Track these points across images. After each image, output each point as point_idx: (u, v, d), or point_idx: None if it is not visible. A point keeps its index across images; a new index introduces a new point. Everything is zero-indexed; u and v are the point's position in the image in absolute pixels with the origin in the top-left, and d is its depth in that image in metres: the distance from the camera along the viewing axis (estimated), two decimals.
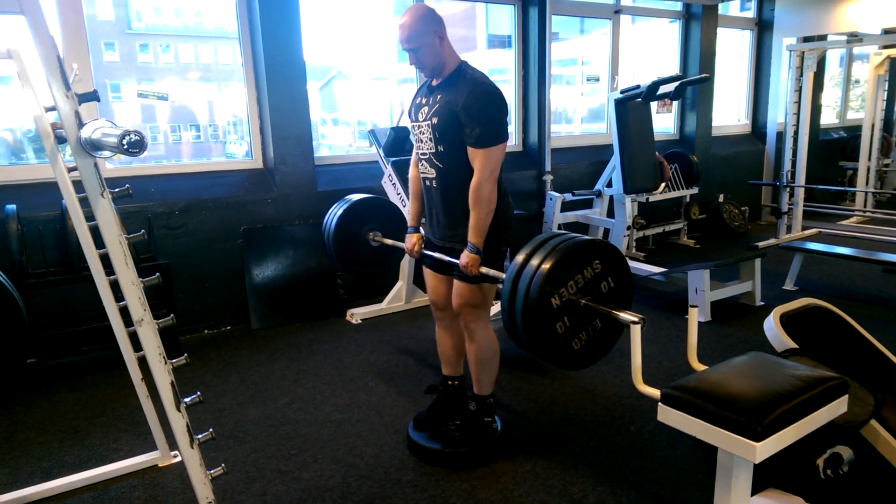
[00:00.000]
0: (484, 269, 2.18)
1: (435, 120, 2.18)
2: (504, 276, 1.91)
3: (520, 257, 1.81)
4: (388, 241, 2.88)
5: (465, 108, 2.10)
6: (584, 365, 1.89)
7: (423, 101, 2.27)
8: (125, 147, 1.38)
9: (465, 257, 2.18)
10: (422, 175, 2.36)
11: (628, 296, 1.91)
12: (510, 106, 5.62)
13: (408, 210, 2.60)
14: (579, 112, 6.67)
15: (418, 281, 4.16)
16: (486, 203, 2.14)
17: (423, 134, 2.25)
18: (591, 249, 1.83)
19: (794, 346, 2.25)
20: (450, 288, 2.37)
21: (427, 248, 2.46)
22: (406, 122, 4.24)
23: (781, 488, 1.99)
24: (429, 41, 2.13)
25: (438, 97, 2.19)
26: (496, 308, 3.02)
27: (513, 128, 5.65)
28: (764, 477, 2.01)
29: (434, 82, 2.24)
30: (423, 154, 2.30)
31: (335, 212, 2.92)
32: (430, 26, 2.12)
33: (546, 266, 1.73)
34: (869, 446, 2.05)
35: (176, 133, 4.64)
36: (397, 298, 4.33)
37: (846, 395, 1.61)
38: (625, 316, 1.77)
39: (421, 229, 2.52)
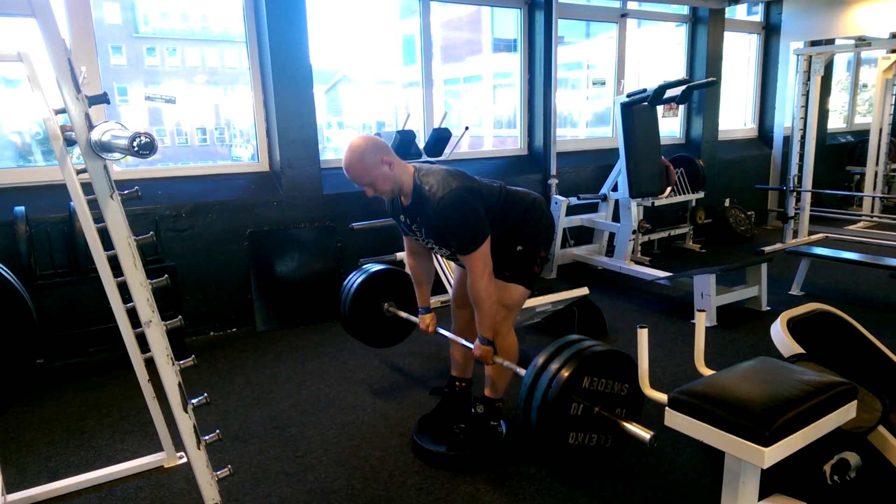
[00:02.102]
0: (498, 359, 2.28)
1: (425, 234, 2.29)
2: (521, 370, 2.03)
3: (540, 359, 1.88)
4: (402, 314, 2.91)
5: (437, 228, 2.20)
6: (592, 470, 1.92)
7: (405, 219, 2.33)
8: (136, 149, 1.39)
9: (479, 349, 2.30)
10: (434, 253, 2.44)
11: (638, 406, 1.95)
12: (516, 111, 5.63)
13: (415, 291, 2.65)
14: (585, 116, 6.67)
15: None
16: (486, 298, 2.20)
17: (424, 242, 2.37)
18: (610, 359, 1.87)
19: (801, 351, 2.24)
20: None
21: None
22: (410, 126, 4.26)
23: (788, 494, 1.98)
24: (377, 173, 2.12)
25: (416, 218, 2.26)
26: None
27: (518, 131, 5.65)
28: (770, 482, 2.00)
29: (403, 201, 2.27)
30: (433, 249, 2.40)
31: (354, 279, 2.95)
32: (373, 159, 2.11)
33: (566, 373, 1.79)
34: (876, 452, 2.03)
35: (182, 136, 4.66)
36: None
37: (855, 401, 1.60)
38: (634, 430, 1.79)
39: (431, 309, 2.62)
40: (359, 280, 2.91)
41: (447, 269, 4.12)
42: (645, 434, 1.74)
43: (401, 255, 4.18)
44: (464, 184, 2.15)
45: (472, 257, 2.16)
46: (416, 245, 2.45)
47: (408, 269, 2.59)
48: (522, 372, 2.03)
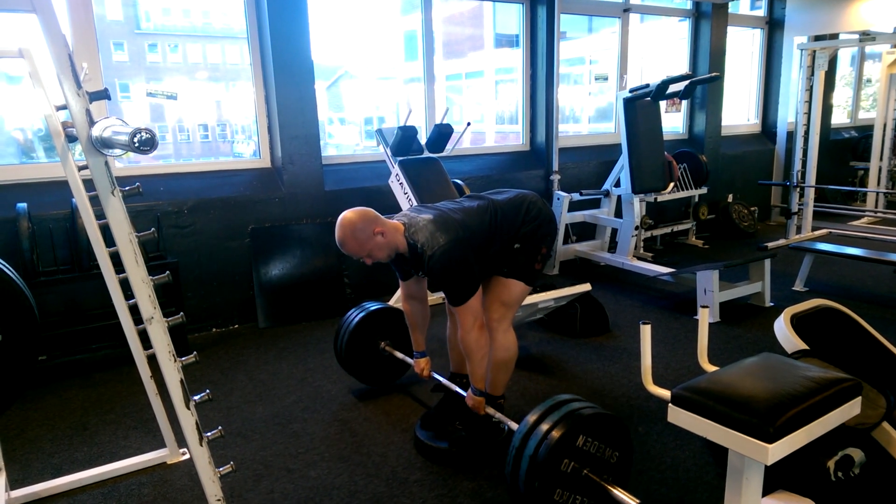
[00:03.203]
0: (490, 411, 2.33)
1: (427, 283, 2.41)
2: (512, 424, 2.09)
3: (531, 417, 1.89)
4: (398, 354, 2.96)
5: (430, 281, 2.31)
6: None
7: (411, 269, 2.39)
8: (136, 145, 1.38)
9: (471, 399, 2.35)
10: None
11: (626, 475, 1.93)
12: (518, 106, 5.61)
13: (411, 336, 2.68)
14: (587, 111, 6.65)
15: None
16: (476, 350, 2.23)
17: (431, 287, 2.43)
18: (606, 423, 1.87)
19: (805, 347, 2.23)
20: None
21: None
22: (412, 121, 4.25)
23: (791, 490, 1.97)
24: (371, 245, 2.15)
25: (414, 270, 2.36)
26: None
27: (520, 127, 5.64)
28: (774, 478, 1.99)
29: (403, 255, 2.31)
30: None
31: (353, 316, 3.00)
32: (365, 233, 2.13)
33: (556, 434, 1.79)
34: (880, 448, 2.03)
35: (184, 132, 4.66)
36: None
37: (859, 397, 1.59)
38: (620, 496, 1.77)
39: (426, 353, 2.67)
40: (357, 318, 2.96)
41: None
42: (631, 502, 1.73)
43: None
44: (451, 237, 2.15)
45: (461, 310, 2.19)
46: (412, 290, 2.49)
47: (404, 312, 2.61)
48: (515, 426, 2.08)
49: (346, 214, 2.15)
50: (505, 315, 2.36)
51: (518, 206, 2.33)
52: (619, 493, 1.76)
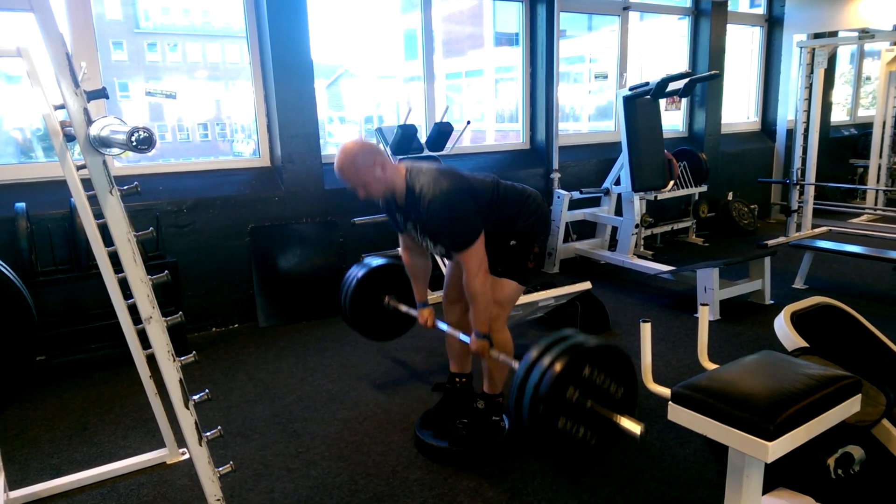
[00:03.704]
0: (494, 353, 2.27)
1: (420, 231, 2.30)
2: (514, 363, 2.02)
3: (536, 349, 1.86)
4: (402, 308, 2.90)
5: (429, 227, 2.22)
6: (582, 462, 1.89)
7: (401, 217, 2.35)
8: (134, 144, 1.38)
9: (475, 343, 2.29)
10: (429, 250, 2.43)
11: (632, 400, 1.90)
12: (518, 105, 5.60)
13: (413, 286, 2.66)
14: (587, 110, 6.65)
15: None
16: (482, 294, 2.20)
17: (419, 239, 2.36)
18: (614, 357, 1.84)
19: (805, 344, 2.23)
20: None
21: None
22: (412, 120, 4.25)
23: (792, 488, 1.97)
24: (369, 177, 2.14)
25: (411, 217, 2.28)
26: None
27: (520, 125, 5.63)
28: (774, 476, 1.99)
29: (397, 199, 2.28)
30: (425, 246, 2.40)
31: (355, 273, 2.95)
32: (365, 162, 2.12)
33: (562, 361, 1.76)
34: (881, 446, 2.03)
35: (184, 131, 4.65)
36: None
37: (859, 395, 1.59)
38: (625, 423, 1.75)
39: (429, 303, 2.62)
40: (360, 274, 2.91)
41: (442, 265, 4.11)
42: (636, 427, 1.71)
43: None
44: (454, 184, 2.16)
45: (465, 255, 2.17)
46: (410, 241, 2.45)
47: (404, 263, 2.59)
48: (517, 365, 2.01)
49: (349, 142, 2.15)
50: (499, 315, 2.35)
51: (521, 195, 2.36)
52: (626, 421, 1.73)
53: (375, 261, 2.98)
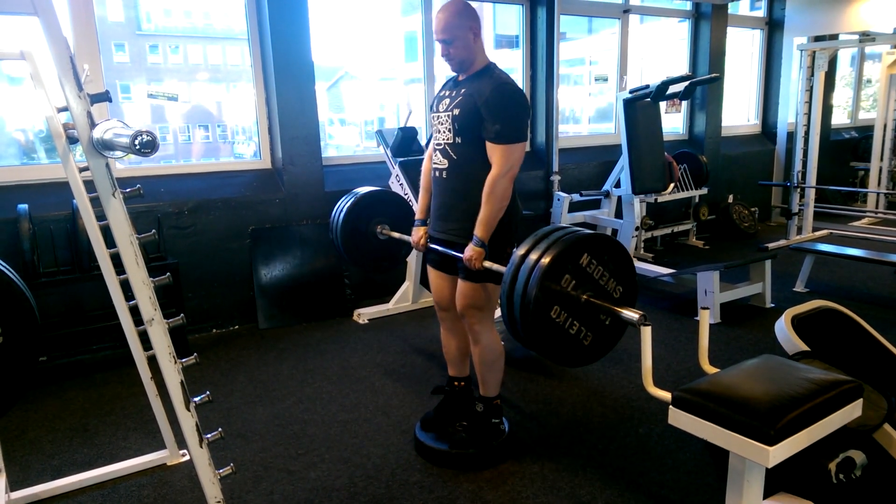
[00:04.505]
0: (487, 263, 2.15)
1: (456, 111, 2.20)
2: (501, 267, 1.91)
3: (520, 250, 1.78)
4: (396, 235, 2.87)
5: (486, 103, 2.12)
6: (581, 362, 1.86)
7: (447, 93, 2.31)
8: (137, 147, 1.38)
9: (470, 250, 2.17)
10: (434, 166, 2.36)
11: (632, 292, 1.88)
12: None
13: (417, 203, 2.60)
14: (587, 112, 6.65)
15: (425, 281, 4.13)
16: (500, 199, 2.15)
17: (443, 125, 2.27)
18: (593, 243, 1.79)
19: (806, 348, 2.23)
20: (454, 288, 2.37)
21: (432, 242, 2.45)
22: (412, 122, 4.25)
23: (793, 492, 1.97)
24: (462, 35, 2.17)
25: (462, 90, 2.22)
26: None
27: None
28: (775, 481, 1.99)
29: (460, 77, 2.28)
30: (438, 144, 2.32)
31: (343, 205, 2.91)
32: (465, 21, 2.16)
33: (546, 260, 1.68)
34: (882, 450, 2.03)
35: (185, 133, 4.66)
36: (404, 298, 4.33)
37: (861, 399, 1.59)
38: (627, 313, 1.72)
39: (428, 222, 2.51)
40: (348, 203, 2.86)
41: None
42: (633, 314, 1.66)
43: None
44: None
45: (505, 148, 2.12)
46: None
47: (423, 171, 2.52)
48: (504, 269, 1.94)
49: None
50: (483, 318, 2.32)
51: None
52: (626, 311, 1.67)
53: (364, 189, 2.94)
